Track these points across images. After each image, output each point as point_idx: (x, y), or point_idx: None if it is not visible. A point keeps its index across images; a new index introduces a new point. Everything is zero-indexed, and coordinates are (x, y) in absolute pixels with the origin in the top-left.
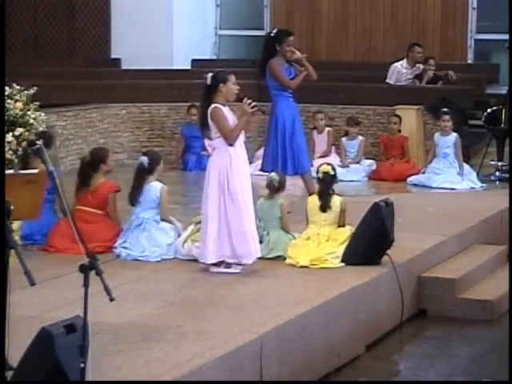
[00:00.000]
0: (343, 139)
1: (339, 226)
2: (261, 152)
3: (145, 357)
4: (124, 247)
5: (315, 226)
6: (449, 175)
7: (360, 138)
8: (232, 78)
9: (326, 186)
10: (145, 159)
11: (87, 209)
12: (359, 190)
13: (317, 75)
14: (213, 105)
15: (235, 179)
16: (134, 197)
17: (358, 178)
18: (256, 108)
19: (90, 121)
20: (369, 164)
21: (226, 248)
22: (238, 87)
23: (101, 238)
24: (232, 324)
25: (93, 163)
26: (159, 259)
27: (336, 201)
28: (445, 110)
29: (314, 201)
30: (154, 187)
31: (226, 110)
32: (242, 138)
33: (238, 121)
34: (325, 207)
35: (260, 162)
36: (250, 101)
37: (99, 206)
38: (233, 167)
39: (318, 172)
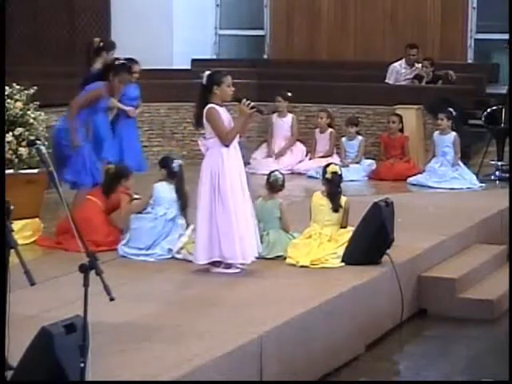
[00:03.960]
0: (343, 139)
1: (342, 227)
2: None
3: (145, 357)
4: (125, 245)
5: (318, 225)
6: (448, 175)
7: (360, 137)
8: (227, 80)
9: (335, 186)
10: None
11: (93, 198)
12: (359, 190)
13: (317, 75)
14: (208, 105)
15: (226, 180)
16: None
17: (358, 178)
18: (254, 109)
19: None
20: (369, 164)
21: (215, 249)
22: (233, 89)
23: (104, 233)
24: (232, 324)
25: (117, 177)
26: (159, 258)
27: (341, 201)
28: (448, 109)
29: (317, 199)
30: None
31: (221, 111)
32: (235, 138)
33: (236, 122)
34: (337, 207)
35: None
36: (248, 102)
37: (108, 203)
38: (224, 168)
39: (324, 172)
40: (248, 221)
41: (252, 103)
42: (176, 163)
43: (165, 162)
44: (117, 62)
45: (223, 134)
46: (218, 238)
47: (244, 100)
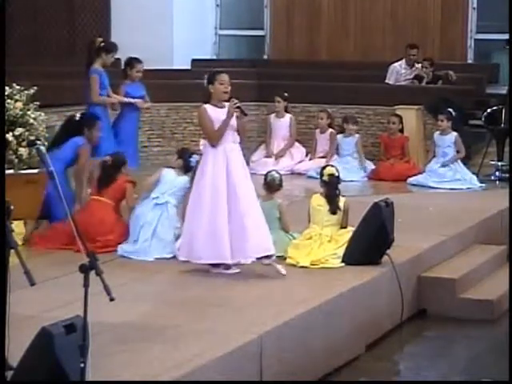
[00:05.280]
0: (339, 136)
1: (342, 227)
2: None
3: (145, 357)
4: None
5: (318, 226)
6: (448, 175)
7: (356, 135)
8: (220, 77)
9: (333, 187)
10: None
11: (100, 198)
12: (359, 190)
13: (317, 75)
14: (202, 106)
15: (206, 180)
16: None
17: (357, 178)
18: (238, 110)
19: None
20: (367, 164)
21: (189, 248)
22: (225, 86)
23: (106, 231)
24: (232, 324)
25: (115, 166)
26: (158, 256)
27: (340, 202)
28: (448, 109)
29: (316, 200)
30: (186, 181)
31: (213, 111)
32: (230, 139)
33: (222, 122)
34: (335, 209)
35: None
36: (235, 101)
37: (113, 196)
38: (207, 168)
39: (322, 174)
40: (238, 222)
41: (238, 104)
42: (194, 158)
43: (183, 154)
44: (78, 117)
45: (209, 134)
46: (191, 237)
47: (232, 99)
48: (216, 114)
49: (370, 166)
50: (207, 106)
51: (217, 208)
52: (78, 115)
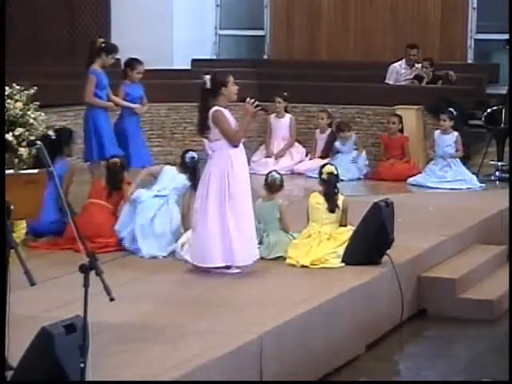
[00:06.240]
0: (336, 143)
1: (341, 226)
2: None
3: (145, 357)
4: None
5: (317, 224)
6: (448, 175)
7: (353, 136)
8: (231, 78)
9: (332, 186)
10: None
11: (97, 201)
12: (359, 190)
13: (317, 75)
14: (214, 108)
15: (236, 182)
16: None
17: (357, 176)
18: (259, 108)
19: None
20: (364, 159)
21: (229, 251)
22: (237, 87)
23: (108, 232)
24: (232, 324)
25: (122, 168)
26: (153, 253)
27: (339, 200)
28: (449, 109)
29: (315, 198)
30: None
31: (226, 112)
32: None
33: (242, 121)
34: (333, 207)
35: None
36: (252, 100)
37: (118, 200)
38: (234, 170)
39: (321, 173)
40: (252, 222)
41: (256, 102)
42: (189, 154)
43: (182, 152)
44: (54, 136)
45: (232, 135)
46: (230, 240)
47: (248, 99)
48: (229, 115)
49: (365, 160)
50: (222, 109)
51: (246, 209)
52: (52, 133)
